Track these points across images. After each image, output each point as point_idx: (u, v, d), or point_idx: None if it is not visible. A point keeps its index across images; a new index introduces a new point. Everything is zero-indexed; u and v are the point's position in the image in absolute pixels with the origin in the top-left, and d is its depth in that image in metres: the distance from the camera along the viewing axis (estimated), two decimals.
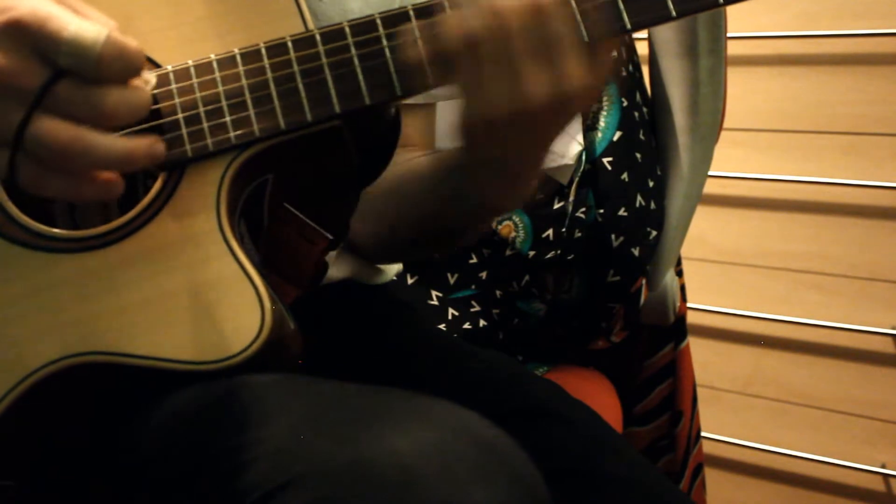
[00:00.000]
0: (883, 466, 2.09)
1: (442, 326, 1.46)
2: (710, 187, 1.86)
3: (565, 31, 0.71)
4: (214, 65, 0.73)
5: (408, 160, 0.95)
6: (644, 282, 1.58)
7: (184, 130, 0.72)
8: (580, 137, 1.48)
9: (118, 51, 0.64)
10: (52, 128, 0.64)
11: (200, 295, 0.69)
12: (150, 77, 0.70)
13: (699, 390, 1.69)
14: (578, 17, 0.72)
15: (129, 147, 0.67)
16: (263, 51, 0.73)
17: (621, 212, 1.49)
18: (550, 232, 1.46)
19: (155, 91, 0.72)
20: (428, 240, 0.95)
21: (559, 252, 1.48)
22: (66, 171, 0.66)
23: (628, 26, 0.73)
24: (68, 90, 0.64)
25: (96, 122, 0.65)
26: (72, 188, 0.67)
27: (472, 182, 0.80)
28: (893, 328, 2.05)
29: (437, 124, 1.09)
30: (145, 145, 0.67)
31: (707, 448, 1.94)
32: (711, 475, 1.87)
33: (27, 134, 0.64)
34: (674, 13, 0.74)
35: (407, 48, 0.73)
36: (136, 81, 0.67)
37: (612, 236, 1.49)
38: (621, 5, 0.73)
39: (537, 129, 0.74)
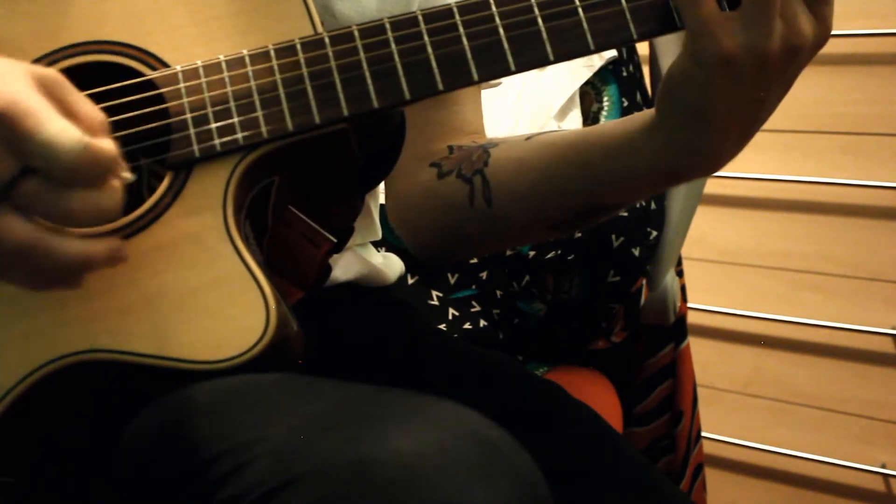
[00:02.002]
0: (883, 466, 2.09)
1: (442, 326, 1.46)
2: (710, 187, 1.86)
3: None
4: (223, 65, 0.73)
5: (533, 135, 0.93)
6: (644, 282, 1.58)
7: (192, 130, 0.72)
8: None
9: (94, 159, 0.62)
10: (11, 226, 0.63)
11: (205, 294, 0.69)
12: (127, 174, 0.66)
13: (699, 390, 1.69)
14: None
15: (87, 252, 0.65)
16: (272, 52, 0.73)
17: (621, 212, 1.49)
18: None
19: (164, 90, 0.72)
20: (573, 218, 0.92)
21: (559, 252, 1.48)
22: (22, 266, 0.65)
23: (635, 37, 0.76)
24: (34, 189, 0.62)
25: (59, 223, 0.64)
26: (30, 282, 0.66)
27: (692, 137, 0.79)
28: (893, 328, 2.05)
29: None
30: (104, 250, 0.66)
31: (707, 448, 1.94)
32: (711, 475, 1.87)
33: None
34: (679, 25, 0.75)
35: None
36: (113, 182, 0.64)
37: (612, 236, 1.49)
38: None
39: (796, 70, 0.76)
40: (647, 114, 0.82)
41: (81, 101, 0.65)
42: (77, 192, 0.62)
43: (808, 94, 2.03)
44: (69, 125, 0.62)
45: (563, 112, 1.59)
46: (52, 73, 0.65)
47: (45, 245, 0.63)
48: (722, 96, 0.75)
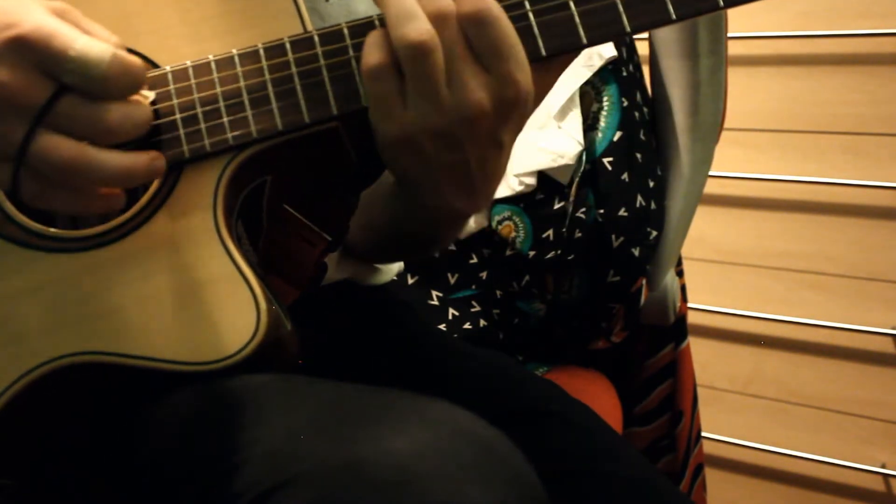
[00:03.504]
0: (883, 466, 2.09)
1: (442, 326, 1.46)
2: (710, 187, 1.86)
3: (503, 39, 0.69)
4: (213, 65, 0.73)
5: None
6: (644, 282, 1.58)
7: (181, 131, 0.72)
8: (580, 137, 1.48)
9: (123, 68, 0.65)
10: (55, 144, 0.65)
11: (197, 295, 0.69)
12: (149, 93, 0.70)
13: (699, 390, 1.69)
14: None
15: (130, 163, 0.67)
16: (262, 52, 0.73)
17: (621, 212, 1.49)
18: (550, 232, 1.46)
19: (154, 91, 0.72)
20: (400, 247, 0.96)
21: (559, 252, 1.48)
22: (69, 186, 0.67)
23: (627, 29, 0.73)
24: (71, 107, 0.65)
25: (98, 139, 0.66)
26: (74, 203, 0.68)
27: (422, 194, 0.77)
28: (893, 328, 2.05)
29: None
30: (146, 161, 0.68)
31: (707, 448, 1.94)
32: (711, 475, 1.87)
33: (30, 150, 0.64)
34: (674, 16, 0.74)
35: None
36: (137, 97, 0.67)
37: (612, 236, 1.49)
38: (620, 8, 0.73)
39: (493, 130, 0.71)
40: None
41: (95, 25, 0.68)
42: (112, 104, 0.65)
43: (808, 94, 2.03)
44: (94, 39, 0.65)
45: (563, 112, 1.59)
46: (63, 3, 0.67)
47: (91, 158, 0.65)
48: (414, 167, 0.73)
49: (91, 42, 0.64)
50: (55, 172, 0.65)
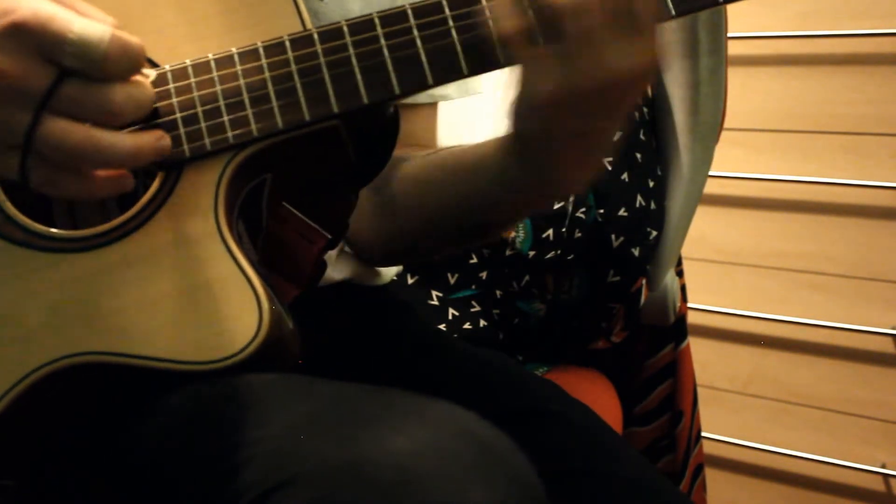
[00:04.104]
0: (883, 466, 2.09)
1: (442, 326, 1.46)
2: (710, 187, 1.86)
3: (651, 5, 0.73)
4: (212, 64, 0.73)
5: (433, 152, 0.94)
6: (644, 282, 1.58)
7: (181, 130, 0.72)
8: None
9: (122, 48, 0.65)
10: (62, 129, 0.65)
11: (198, 295, 0.69)
12: (149, 72, 0.70)
13: (699, 390, 1.69)
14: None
15: (137, 143, 0.67)
16: (261, 50, 0.73)
17: (621, 212, 1.49)
18: (550, 232, 1.46)
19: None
20: (467, 233, 0.94)
21: (559, 252, 1.48)
22: (78, 170, 0.67)
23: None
24: (74, 90, 0.65)
25: (104, 121, 0.66)
26: (84, 187, 0.68)
27: (540, 163, 0.79)
28: (893, 328, 2.05)
29: (439, 124, 1.09)
30: (152, 140, 0.68)
31: (707, 448, 1.94)
32: (711, 475, 1.87)
33: (37, 136, 0.64)
34: (673, 12, 0.74)
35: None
36: (138, 77, 0.67)
37: (612, 236, 1.49)
38: None
39: (619, 100, 0.75)
40: (502, 139, 0.83)
41: (90, 8, 0.67)
42: (115, 85, 0.65)
43: (808, 94, 2.03)
44: (91, 20, 0.64)
45: None
46: None
47: (99, 141, 0.65)
48: (546, 130, 0.76)
49: (89, 23, 0.64)
50: (63, 157, 0.65)
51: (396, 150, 0.98)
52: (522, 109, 0.76)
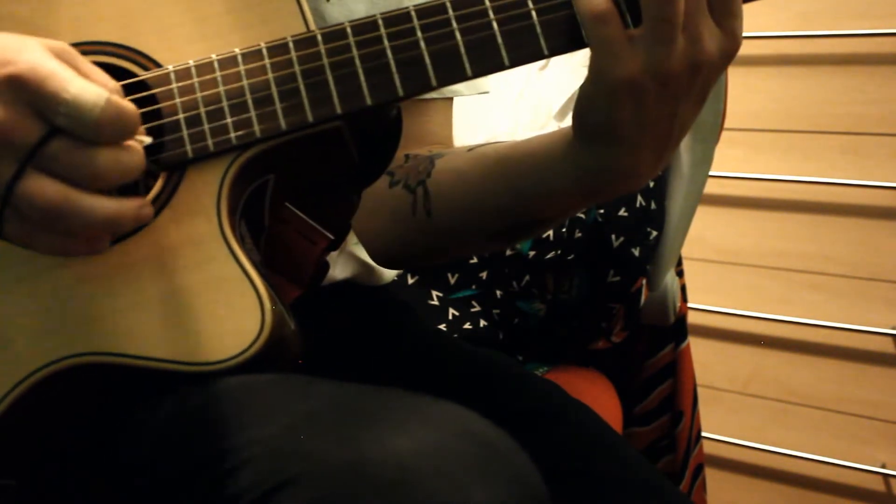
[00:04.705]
0: (883, 466, 2.09)
1: (442, 326, 1.46)
2: (710, 187, 1.86)
3: None
4: (215, 65, 0.73)
5: (474, 147, 0.93)
6: (644, 282, 1.58)
7: (185, 131, 0.72)
8: None
9: (116, 115, 0.63)
10: (41, 187, 0.64)
11: (201, 296, 0.69)
12: (145, 138, 0.69)
13: (699, 390, 1.69)
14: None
15: (116, 211, 0.66)
16: (265, 51, 0.72)
17: (621, 212, 1.49)
18: (550, 232, 1.46)
19: (156, 91, 0.72)
20: (509, 229, 0.92)
21: (559, 252, 1.48)
22: (53, 230, 0.66)
23: None
24: (61, 149, 0.64)
25: (86, 183, 0.65)
26: (58, 246, 0.67)
27: (613, 151, 0.78)
28: (893, 328, 2.05)
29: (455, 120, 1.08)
30: (133, 209, 0.67)
31: (707, 448, 1.94)
32: (711, 475, 1.87)
33: (17, 191, 0.63)
34: None
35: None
36: (131, 142, 0.66)
37: (612, 236, 1.49)
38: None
39: (705, 84, 0.76)
40: (567, 131, 0.82)
41: (93, 68, 0.67)
42: (102, 149, 0.64)
43: (808, 94, 2.03)
44: (90, 83, 0.64)
45: (563, 112, 1.59)
46: (63, 44, 0.66)
47: (76, 203, 0.64)
48: (628, 116, 0.75)
49: (86, 86, 0.63)
50: (40, 215, 0.64)
51: (414, 149, 0.98)
52: (598, 94, 0.75)
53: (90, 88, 0.63)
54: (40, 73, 0.63)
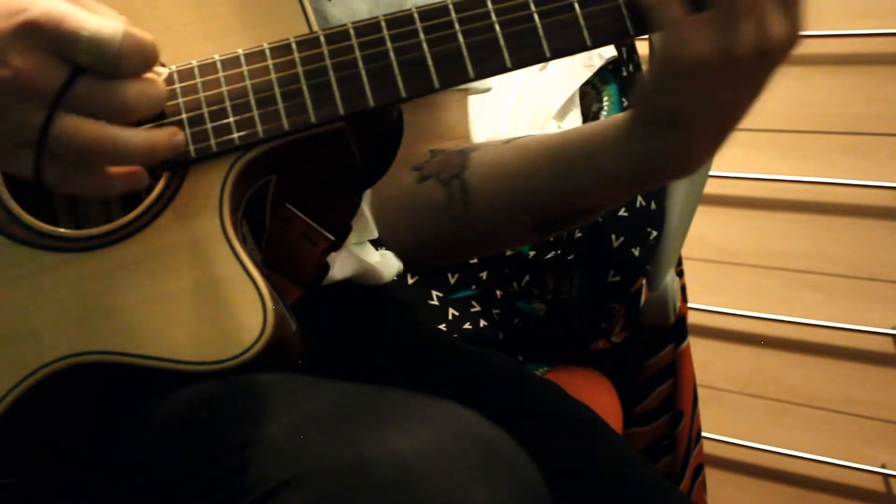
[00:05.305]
0: (883, 466, 2.09)
1: (442, 326, 1.46)
2: (710, 187, 1.86)
3: None
4: (218, 65, 0.73)
5: (509, 140, 0.93)
6: (644, 282, 1.58)
7: (187, 131, 0.72)
8: None
9: (136, 45, 0.64)
10: (76, 126, 0.64)
11: (203, 295, 0.69)
12: (162, 69, 0.70)
13: (699, 390, 1.69)
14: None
15: (152, 139, 0.67)
16: (268, 51, 0.73)
17: (621, 212, 1.49)
18: None
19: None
20: (550, 220, 0.93)
21: (559, 252, 1.48)
22: (93, 167, 0.67)
23: (631, 32, 0.75)
24: (88, 87, 0.64)
25: (118, 118, 0.66)
26: (99, 184, 0.67)
27: (670, 137, 0.79)
28: (893, 328, 2.05)
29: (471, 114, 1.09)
30: (166, 136, 0.68)
31: (707, 448, 1.94)
32: (711, 475, 1.87)
33: (50, 134, 0.64)
34: None
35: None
36: (150, 74, 0.67)
37: (612, 236, 1.50)
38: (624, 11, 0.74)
39: (769, 70, 0.76)
40: (622, 117, 0.83)
41: (101, 6, 0.67)
42: (128, 82, 0.65)
43: (808, 94, 2.03)
44: (105, 18, 0.64)
45: (563, 112, 1.59)
46: None
47: (113, 136, 0.65)
48: (693, 99, 0.76)
49: (102, 21, 0.64)
50: (78, 155, 0.65)
51: (437, 144, 0.98)
52: (666, 76, 0.75)
53: (107, 23, 0.63)
54: (55, 15, 0.63)
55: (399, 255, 1.01)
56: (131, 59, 0.64)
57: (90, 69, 0.64)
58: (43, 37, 0.63)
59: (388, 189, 0.99)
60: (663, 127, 0.79)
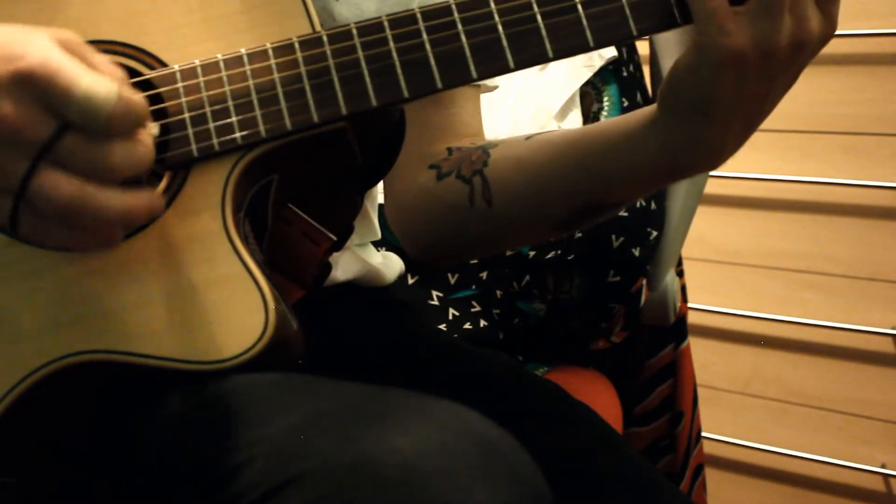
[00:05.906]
0: (883, 466, 2.10)
1: (442, 326, 1.46)
2: (710, 187, 1.86)
3: None
4: (221, 64, 0.73)
5: (532, 135, 0.93)
6: (644, 282, 1.58)
7: (190, 130, 0.72)
8: None
9: (127, 108, 0.63)
10: (55, 182, 0.63)
11: (204, 295, 0.69)
12: (154, 128, 0.69)
13: (699, 390, 1.69)
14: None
15: (129, 204, 0.66)
16: (270, 51, 0.73)
17: (621, 212, 1.49)
18: None
19: (161, 90, 0.72)
20: (575, 214, 0.92)
21: (559, 252, 1.48)
22: (67, 224, 0.65)
23: (634, 33, 0.75)
24: (74, 144, 0.63)
25: (100, 177, 0.64)
26: (72, 241, 0.67)
27: (699, 131, 0.79)
28: (893, 328, 2.05)
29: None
30: (145, 200, 0.67)
31: (707, 448, 1.94)
32: (711, 475, 1.87)
33: (30, 186, 0.63)
34: (679, 20, 0.75)
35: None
36: (141, 134, 0.66)
37: (612, 236, 1.50)
38: (627, 12, 0.74)
39: (802, 65, 0.77)
40: (648, 110, 0.82)
41: (100, 59, 0.66)
42: (115, 143, 0.64)
43: (808, 94, 2.03)
44: (100, 76, 0.63)
45: (564, 112, 1.59)
46: (71, 34, 0.66)
47: (91, 198, 0.64)
48: (727, 91, 0.75)
49: (97, 80, 0.63)
50: (55, 211, 0.64)
51: (453, 141, 0.97)
52: (701, 67, 0.75)
53: (101, 82, 0.63)
54: (50, 68, 0.62)
55: (417, 256, 1.00)
56: (121, 122, 0.63)
57: (79, 126, 0.63)
58: (36, 88, 0.62)
59: (406, 189, 0.99)
60: (693, 118, 0.78)
